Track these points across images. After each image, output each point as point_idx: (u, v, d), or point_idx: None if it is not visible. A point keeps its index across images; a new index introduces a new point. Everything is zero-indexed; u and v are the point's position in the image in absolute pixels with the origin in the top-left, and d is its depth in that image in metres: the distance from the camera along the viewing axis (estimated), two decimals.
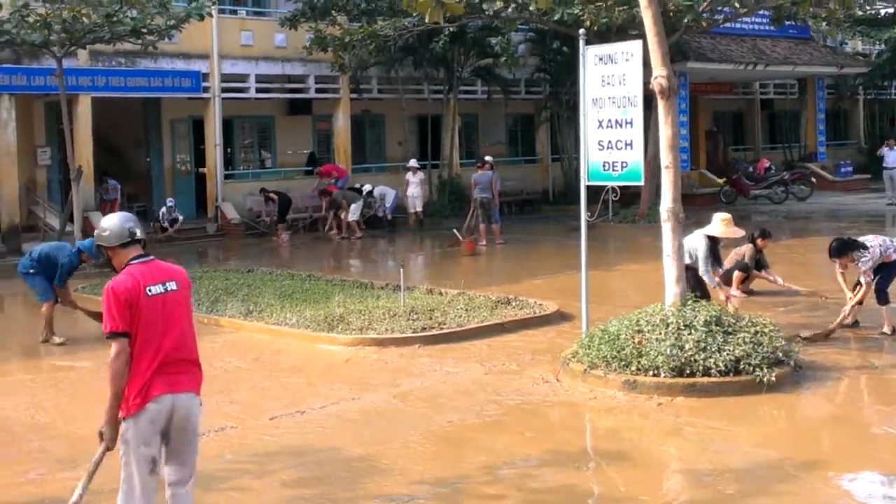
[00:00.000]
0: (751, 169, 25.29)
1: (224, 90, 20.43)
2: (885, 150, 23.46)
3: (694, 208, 21.27)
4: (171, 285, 4.17)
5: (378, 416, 6.84)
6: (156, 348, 4.06)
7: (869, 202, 23.06)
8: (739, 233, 9.18)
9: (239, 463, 5.89)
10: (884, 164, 23.25)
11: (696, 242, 9.15)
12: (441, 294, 11.04)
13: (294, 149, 23.03)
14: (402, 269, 10.49)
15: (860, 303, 8.87)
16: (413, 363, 8.34)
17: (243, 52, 20.67)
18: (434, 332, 9.18)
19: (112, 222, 4.26)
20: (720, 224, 9.33)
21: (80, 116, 18.25)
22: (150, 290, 4.08)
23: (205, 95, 20.18)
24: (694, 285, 8.85)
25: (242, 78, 20.78)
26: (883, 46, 31.17)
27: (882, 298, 8.82)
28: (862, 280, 8.74)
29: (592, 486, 5.52)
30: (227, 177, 20.86)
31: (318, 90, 21.95)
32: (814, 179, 25.37)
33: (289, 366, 8.43)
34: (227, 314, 10.39)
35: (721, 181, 24.51)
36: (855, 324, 9.06)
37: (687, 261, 8.78)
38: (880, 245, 8.75)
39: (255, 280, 12.53)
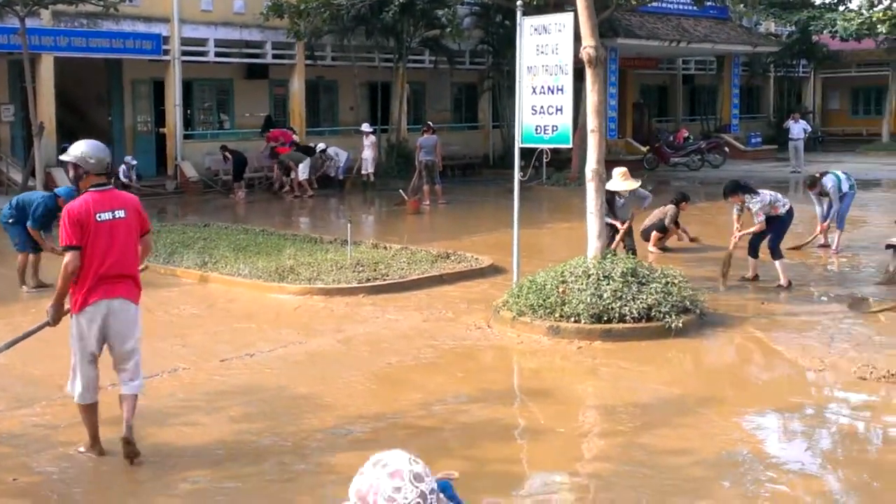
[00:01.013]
0: (671, 138, 25.59)
1: (184, 53, 19.89)
2: (790, 123, 23.94)
3: None
4: (120, 213, 4.64)
5: (322, 359, 6.84)
6: (99, 263, 4.59)
7: (775, 170, 23.52)
8: (634, 184, 9.23)
9: (190, 401, 5.85)
10: (789, 136, 23.76)
11: None
12: (386, 248, 11.02)
13: (251, 112, 22.59)
14: (349, 225, 10.43)
15: (775, 257, 9.02)
16: (357, 311, 8.34)
17: (203, 17, 20.12)
18: (378, 282, 9.17)
19: (97, 153, 4.64)
20: (618, 178, 9.31)
21: (43, 75, 17.62)
22: (99, 217, 4.58)
23: (165, 58, 19.62)
24: (609, 239, 8.90)
25: (202, 42, 20.24)
26: (793, 28, 31.62)
27: (775, 255, 9.05)
28: (755, 220, 8.94)
29: (516, 420, 5.61)
30: (186, 137, 20.40)
31: (274, 56, 21.52)
32: (727, 149, 25.76)
33: (240, 313, 8.36)
34: (184, 265, 10.23)
35: (645, 149, 24.78)
36: (755, 277, 9.30)
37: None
38: (770, 195, 9.00)
39: (211, 234, 12.34)
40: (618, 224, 9.33)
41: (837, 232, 11.22)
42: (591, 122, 8.09)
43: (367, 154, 19.84)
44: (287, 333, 7.54)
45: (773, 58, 32.26)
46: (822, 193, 10.87)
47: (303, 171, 18.74)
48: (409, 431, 5.31)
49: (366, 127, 20.06)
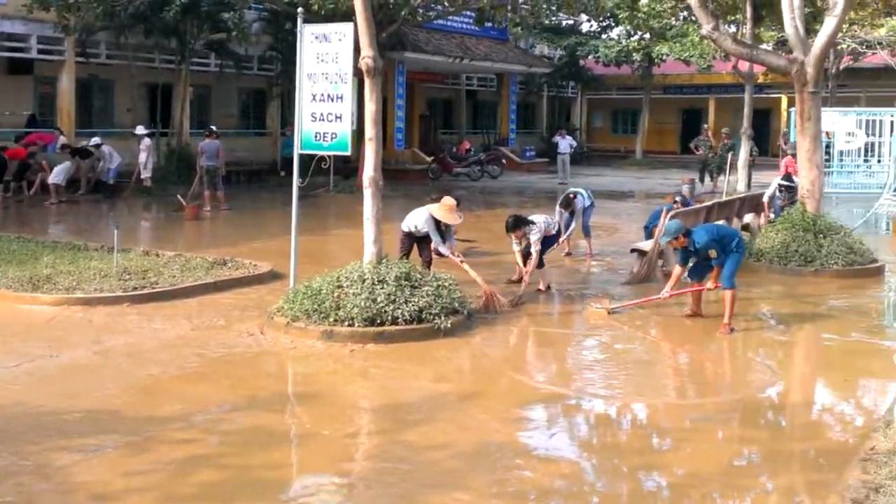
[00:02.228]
0: (455, 150, 26.45)
1: None
2: (557, 139, 25.58)
3: (406, 182, 22.06)
4: None
5: (75, 372, 6.31)
6: None
7: (546, 181, 24.94)
8: (458, 220, 9.06)
9: None
10: (557, 150, 25.36)
11: (421, 217, 8.94)
12: (157, 256, 10.42)
13: (13, 110, 20.60)
14: (116, 230, 9.75)
15: (539, 266, 9.45)
16: (120, 321, 7.80)
17: None
18: (145, 291, 8.64)
19: None
20: (443, 209, 9.15)
21: None
22: None
23: None
24: (408, 250, 8.93)
25: None
26: (562, 52, 33.84)
27: (540, 264, 9.52)
28: (532, 250, 9.36)
29: (282, 426, 5.47)
30: None
31: (40, 51, 19.73)
32: (504, 161, 27.00)
33: None
34: None
35: (430, 159, 25.37)
36: (548, 288, 9.63)
37: (411, 229, 8.91)
38: (544, 221, 9.50)
39: None
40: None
41: (588, 240, 12.04)
42: (369, 130, 8.12)
43: (143, 158, 18.65)
44: (37, 347, 6.89)
45: (546, 78, 34.29)
46: (572, 211, 11.60)
47: (56, 175, 17.20)
48: (168, 444, 5.02)
49: (141, 129, 18.84)
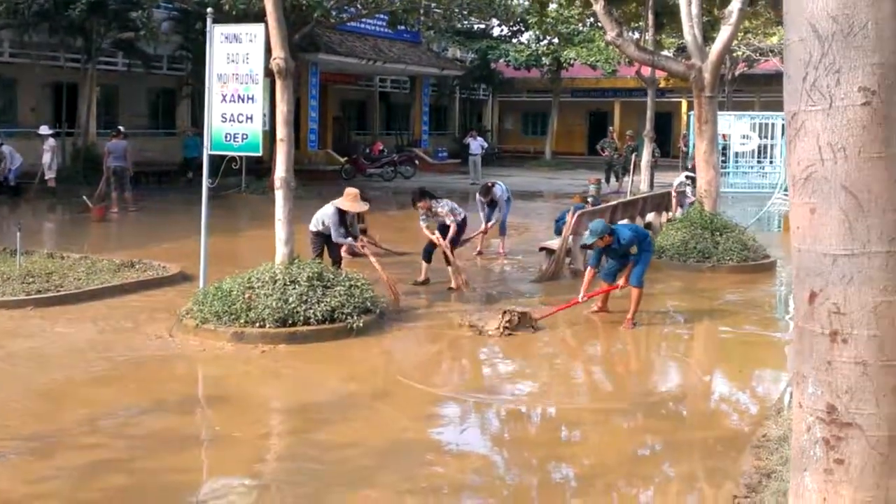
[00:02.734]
0: (368, 151, 26.32)
1: None
2: (469, 140, 25.76)
3: (320, 183, 21.79)
4: None
5: None
6: None
7: (458, 182, 25.04)
8: (363, 207, 8.99)
9: None
10: (469, 151, 25.54)
11: (327, 211, 8.92)
12: (63, 258, 9.98)
13: None
14: (18, 232, 9.29)
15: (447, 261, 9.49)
16: (23, 325, 7.44)
17: None
18: (50, 294, 8.26)
19: None
20: (347, 199, 9.09)
21: None
22: None
23: None
24: (320, 249, 8.83)
25: None
26: (474, 55, 34.14)
27: (449, 261, 9.52)
28: (448, 221, 9.38)
29: (191, 428, 5.32)
30: None
31: None
32: (417, 162, 27.01)
33: None
34: None
35: (343, 160, 25.19)
36: (427, 281, 9.65)
37: (318, 227, 8.81)
38: (448, 203, 9.54)
39: None
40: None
41: (502, 238, 12.18)
42: (280, 131, 7.98)
43: (47, 158, 17.82)
44: None
45: (458, 81, 34.56)
46: (492, 201, 11.72)
47: None
48: (73, 449, 4.81)
49: (44, 129, 18.00)
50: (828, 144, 2.86)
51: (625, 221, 12.46)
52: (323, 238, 8.90)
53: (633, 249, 7.98)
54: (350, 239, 8.94)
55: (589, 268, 8.29)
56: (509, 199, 12.10)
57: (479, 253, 11.93)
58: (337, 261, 8.86)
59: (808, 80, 2.88)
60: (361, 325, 7.34)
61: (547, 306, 8.49)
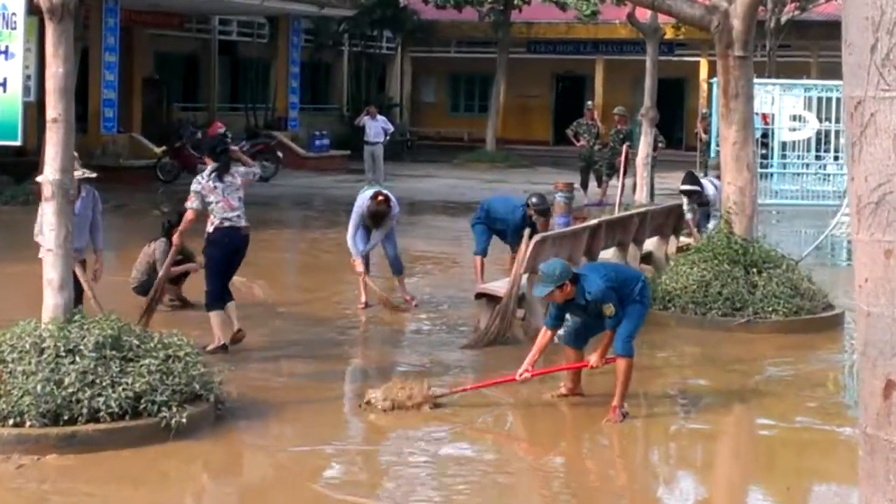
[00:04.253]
0: (200, 135, 26.09)
1: None
2: (365, 120, 25.77)
3: (122, 187, 21.44)
4: None
5: None
6: None
7: (346, 185, 25.09)
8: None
9: None
10: (365, 138, 25.54)
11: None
12: None
13: None
14: None
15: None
16: None
17: None
18: None
19: None
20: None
21: None
22: None
23: None
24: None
25: None
26: None
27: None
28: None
29: None
30: None
31: None
32: (281, 154, 26.96)
33: None
34: None
35: (160, 150, 24.91)
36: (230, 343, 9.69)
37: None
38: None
39: None
40: None
41: (400, 279, 12.15)
42: (54, 107, 7.88)
43: None
44: None
45: (348, 25, 34.59)
46: (380, 222, 11.73)
47: None
48: None
49: None
50: None
51: (610, 253, 12.67)
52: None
53: (609, 310, 7.91)
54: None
55: (544, 329, 8.36)
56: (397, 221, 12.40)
57: (365, 305, 11.90)
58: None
59: (879, 50, 2.92)
60: (184, 420, 7.23)
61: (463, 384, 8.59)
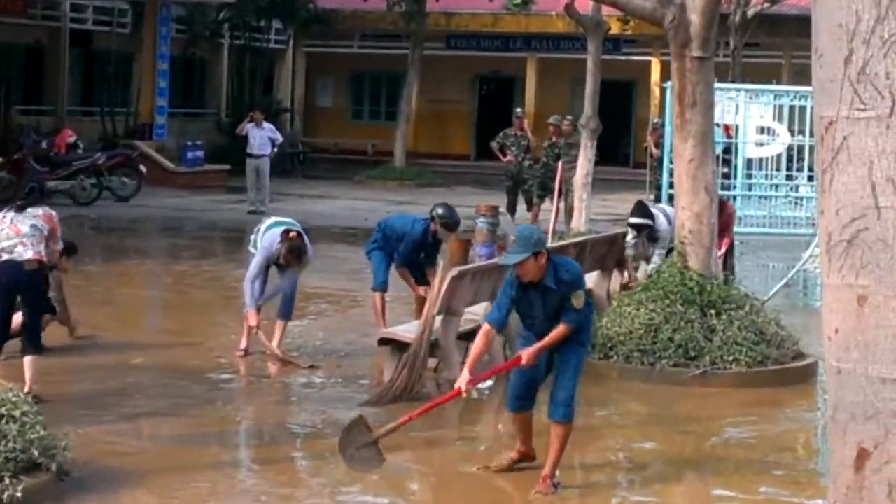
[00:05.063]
0: (45, 144, 25.82)
1: None
2: (249, 128, 25.62)
3: None
4: None
5: None
6: None
7: (225, 207, 24.97)
8: None
9: None
10: (248, 150, 25.38)
11: None
12: None
13: None
14: None
15: None
16: None
17: None
18: None
19: None
20: None
21: None
22: None
23: None
24: None
25: None
26: None
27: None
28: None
29: None
30: None
31: None
32: (144, 168, 26.77)
33: None
34: None
35: None
36: None
37: None
38: None
39: None
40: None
41: (282, 325, 11.93)
42: None
43: None
44: None
45: (230, 13, 34.48)
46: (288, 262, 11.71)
47: None
48: None
49: None
50: (889, 180, 2.93)
51: None
52: None
53: (579, 300, 7.90)
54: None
55: (485, 325, 8.19)
56: None
57: (245, 352, 11.83)
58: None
59: (853, 63, 2.96)
60: (19, 494, 7.13)
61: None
